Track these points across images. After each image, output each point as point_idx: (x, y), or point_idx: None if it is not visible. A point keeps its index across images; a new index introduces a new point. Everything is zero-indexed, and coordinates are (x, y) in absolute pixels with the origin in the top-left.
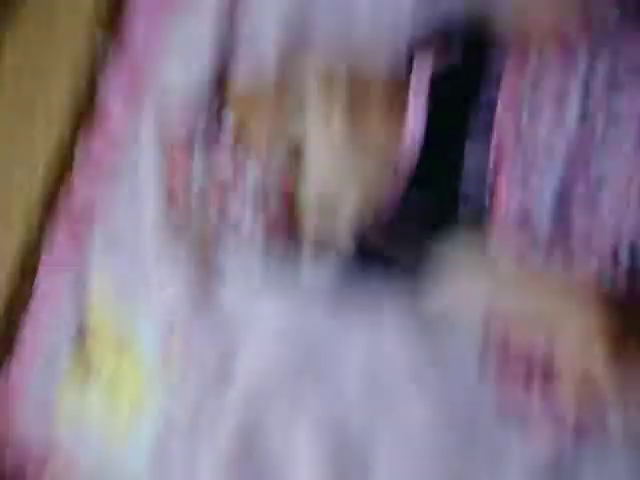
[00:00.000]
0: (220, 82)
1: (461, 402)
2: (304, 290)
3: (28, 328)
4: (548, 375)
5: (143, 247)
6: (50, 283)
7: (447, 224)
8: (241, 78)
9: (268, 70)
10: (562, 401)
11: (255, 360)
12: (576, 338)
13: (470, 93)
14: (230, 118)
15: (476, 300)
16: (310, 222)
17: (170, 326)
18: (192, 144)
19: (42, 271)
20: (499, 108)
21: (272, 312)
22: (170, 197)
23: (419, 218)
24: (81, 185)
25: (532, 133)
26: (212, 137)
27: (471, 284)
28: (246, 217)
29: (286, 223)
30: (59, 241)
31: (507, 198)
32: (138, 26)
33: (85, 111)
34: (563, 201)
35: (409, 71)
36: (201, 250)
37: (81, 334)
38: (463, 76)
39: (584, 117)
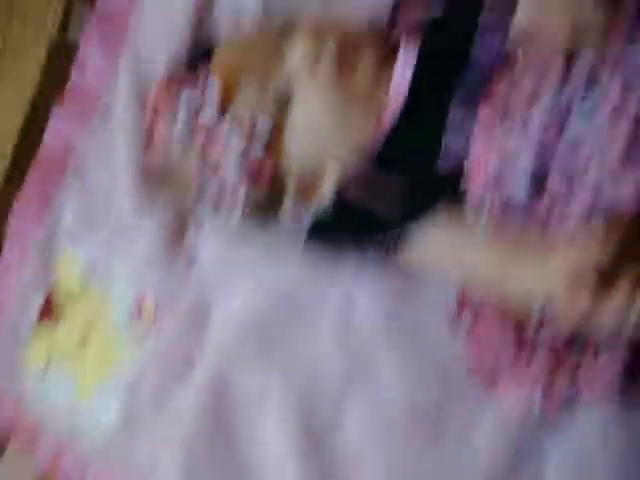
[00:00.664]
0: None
1: (433, 358)
2: (282, 241)
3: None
4: (520, 342)
5: (117, 199)
6: (19, 237)
7: (426, 179)
8: (223, 30)
9: (250, 22)
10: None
11: (230, 310)
12: (562, 276)
13: (460, 46)
14: (215, 86)
15: (452, 261)
16: (293, 172)
17: (142, 277)
18: (175, 88)
19: (11, 223)
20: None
21: (248, 263)
22: (149, 139)
23: (399, 170)
24: (54, 136)
25: (513, 99)
26: (196, 101)
27: (448, 244)
28: (228, 163)
29: (269, 172)
30: (29, 194)
31: (485, 162)
32: None
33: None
34: (539, 167)
35: (394, 21)
36: (178, 197)
37: (49, 288)
38: (453, 28)
39: (563, 84)
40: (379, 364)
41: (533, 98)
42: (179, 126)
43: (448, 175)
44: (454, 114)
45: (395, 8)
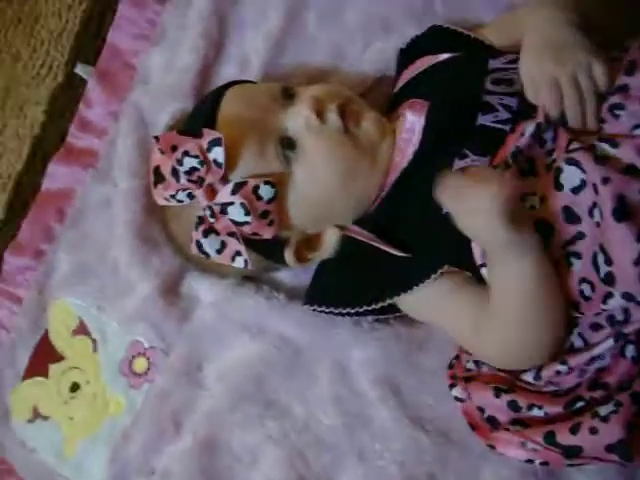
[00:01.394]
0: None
1: (433, 412)
2: (282, 292)
3: None
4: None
5: (113, 249)
6: (11, 284)
7: (430, 233)
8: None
9: (254, 76)
10: None
11: (223, 366)
12: None
13: (468, 111)
14: (220, 153)
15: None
16: (298, 219)
17: (135, 330)
18: (178, 149)
19: (6, 260)
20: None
21: (245, 316)
22: (156, 178)
23: (403, 222)
24: (52, 181)
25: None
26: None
27: (443, 307)
28: (233, 209)
29: (275, 219)
30: (24, 239)
31: None
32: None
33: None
34: None
35: (400, 71)
36: (176, 248)
37: (40, 338)
38: (462, 90)
39: None
40: (375, 424)
41: None
42: (180, 191)
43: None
44: (461, 162)
45: (400, 65)
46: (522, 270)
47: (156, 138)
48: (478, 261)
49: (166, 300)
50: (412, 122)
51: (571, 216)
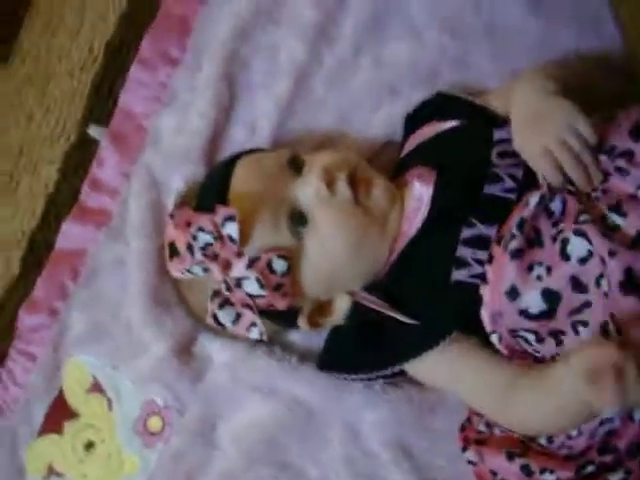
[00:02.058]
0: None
1: (446, 476)
2: (294, 354)
3: (6, 378)
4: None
5: (127, 309)
6: (27, 332)
7: (436, 302)
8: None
9: (263, 139)
10: None
11: (238, 426)
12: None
13: (475, 181)
14: (235, 229)
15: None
16: (311, 288)
17: (149, 390)
18: (191, 225)
19: (21, 318)
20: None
21: (259, 377)
22: (171, 252)
23: (411, 289)
24: (65, 241)
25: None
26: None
27: (455, 371)
28: (249, 283)
29: (289, 291)
30: (38, 297)
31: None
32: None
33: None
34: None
35: (406, 136)
36: (190, 310)
37: (54, 397)
38: (470, 152)
39: None
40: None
41: None
42: (195, 266)
43: (460, 288)
44: (466, 237)
45: (407, 130)
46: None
47: (171, 215)
48: (488, 328)
49: (180, 360)
50: (420, 192)
51: (578, 285)
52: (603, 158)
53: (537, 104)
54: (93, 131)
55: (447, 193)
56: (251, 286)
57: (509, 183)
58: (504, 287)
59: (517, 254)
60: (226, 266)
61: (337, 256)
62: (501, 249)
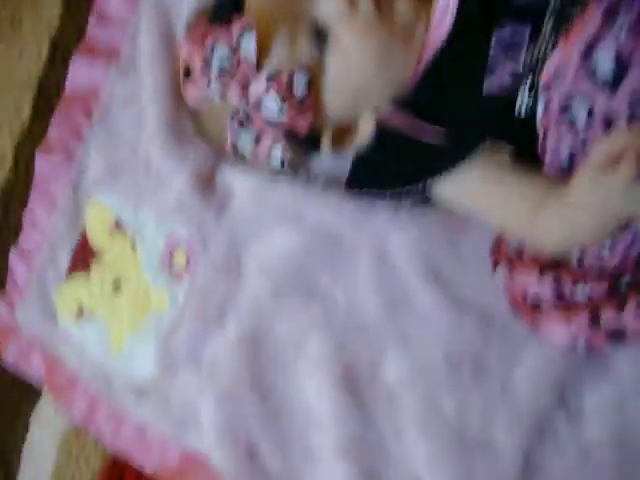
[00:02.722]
0: None
1: (473, 301)
2: (318, 183)
3: (27, 222)
4: (559, 277)
5: (145, 146)
6: (44, 187)
7: (470, 109)
8: None
9: None
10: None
11: (264, 256)
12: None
13: None
14: (252, 42)
15: (488, 208)
16: (331, 119)
17: (172, 224)
18: (207, 40)
19: (38, 161)
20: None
21: (282, 206)
22: (186, 74)
23: (441, 102)
24: (76, 81)
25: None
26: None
27: (483, 192)
28: (269, 100)
29: (310, 110)
30: (52, 141)
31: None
32: None
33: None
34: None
35: None
36: (210, 141)
37: (78, 238)
38: None
39: None
40: (417, 308)
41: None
42: (212, 84)
43: (493, 99)
44: (499, 45)
45: None
46: None
47: (186, 30)
48: (543, 87)
49: (202, 191)
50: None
51: None
52: None
53: None
54: None
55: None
56: (272, 103)
57: None
58: (585, 36)
59: (608, 12)
60: (245, 83)
61: (360, 73)
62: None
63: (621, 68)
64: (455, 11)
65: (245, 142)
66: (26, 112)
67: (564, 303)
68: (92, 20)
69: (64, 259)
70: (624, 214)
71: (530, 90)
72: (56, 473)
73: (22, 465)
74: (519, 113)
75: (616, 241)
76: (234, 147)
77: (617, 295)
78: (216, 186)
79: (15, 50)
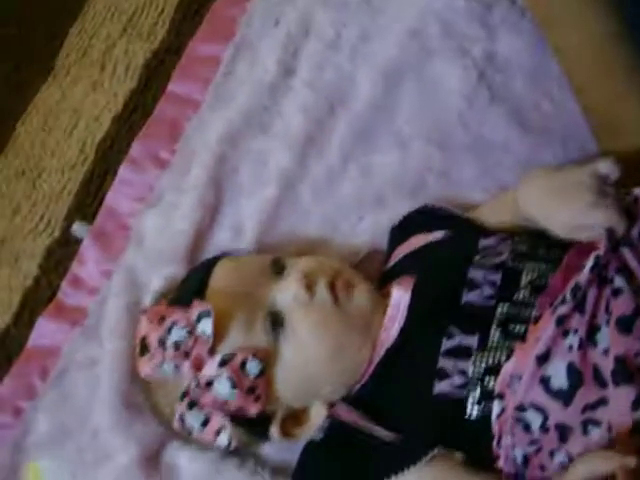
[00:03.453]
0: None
1: None
2: (267, 468)
3: None
4: None
5: (95, 414)
6: None
7: (417, 415)
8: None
9: (248, 243)
10: None
11: None
12: None
13: (453, 288)
14: (209, 326)
15: None
16: (285, 394)
17: None
18: (165, 320)
19: None
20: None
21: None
22: (141, 350)
23: (390, 402)
24: (43, 328)
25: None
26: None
27: None
28: (220, 383)
29: (261, 394)
30: (4, 394)
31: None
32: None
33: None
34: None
35: (392, 248)
36: (162, 416)
37: None
38: (450, 259)
39: None
40: None
41: None
42: (166, 363)
43: (444, 401)
44: (447, 348)
45: (392, 243)
46: None
47: (143, 311)
48: (497, 390)
49: (145, 471)
50: (398, 298)
51: (598, 377)
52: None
53: (554, 180)
54: (77, 228)
55: (424, 300)
56: (223, 386)
57: (487, 290)
58: (538, 350)
59: (562, 320)
60: (198, 364)
61: (314, 361)
62: (549, 312)
63: (574, 380)
64: (405, 313)
65: (193, 423)
66: None
67: None
68: (65, 282)
69: None
70: None
71: (481, 396)
72: None
73: None
74: (470, 415)
75: None
76: (181, 425)
77: None
78: (161, 465)
79: None
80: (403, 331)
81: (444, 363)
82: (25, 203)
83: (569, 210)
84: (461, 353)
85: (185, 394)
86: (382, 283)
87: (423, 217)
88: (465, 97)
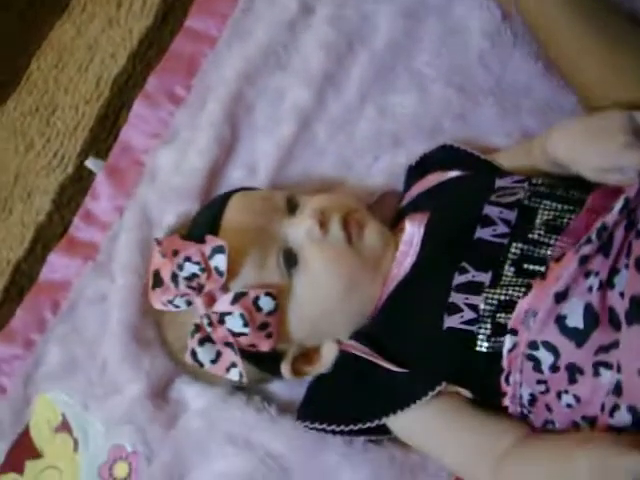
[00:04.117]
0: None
1: None
2: (274, 404)
3: None
4: None
5: (105, 347)
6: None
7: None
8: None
9: (262, 181)
10: None
11: (208, 477)
12: None
13: (467, 223)
14: (223, 262)
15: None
16: (298, 332)
17: (119, 433)
18: (178, 255)
19: None
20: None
21: (234, 426)
22: (154, 282)
23: (399, 336)
24: (54, 263)
25: None
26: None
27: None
28: (233, 319)
29: (274, 331)
30: (15, 327)
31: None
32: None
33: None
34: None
35: (408, 186)
36: (173, 351)
37: (20, 432)
38: (464, 194)
39: None
40: None
41: None
42: (179, 297)
43: (454, 333)
44: (459, 283)
45: (409, 181)
46: None
47: (158, 241)
48: (510, 325)
49: (154, 403)
50: (411, 234)
51: (614, 319)
52: None
53: (587, 123)
54: (91, 163)
55: (437, 235)
56: (235, 323)
57: (502, 228)
58: (557, 287)
59: (585, 260)
60: (210, 300)
61: (327, 297)
62: (573, 252)
63: (590, 321)
64: (418, 248)
65: (204, 358)
66: None
67: None
68: (78, 217)
69: (1, 453)
70: None
71: (492, 331)
72: None
73: None
74: (480, 348)
75: None
76: (193, 358)
77: None
78: (169, 399)
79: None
80: (415, 265)
81: (455, 298)
82: (39, 140)
83: (603, 150)
84: (473, 289)
85: (196, 330)
86: (396, 220)
87: (441, 155)
88: (488, 37)
